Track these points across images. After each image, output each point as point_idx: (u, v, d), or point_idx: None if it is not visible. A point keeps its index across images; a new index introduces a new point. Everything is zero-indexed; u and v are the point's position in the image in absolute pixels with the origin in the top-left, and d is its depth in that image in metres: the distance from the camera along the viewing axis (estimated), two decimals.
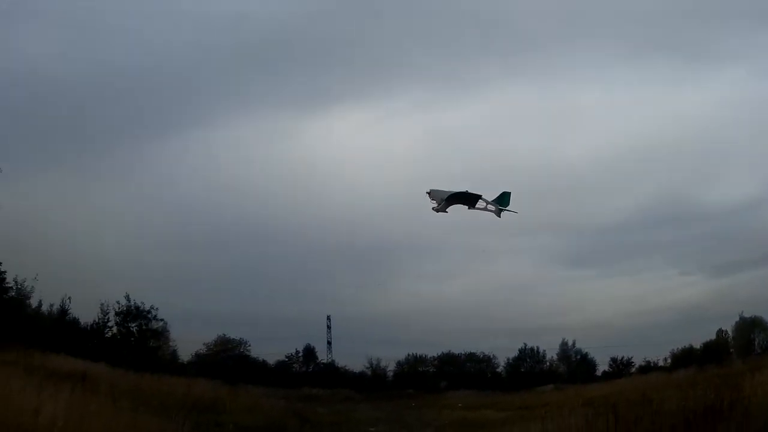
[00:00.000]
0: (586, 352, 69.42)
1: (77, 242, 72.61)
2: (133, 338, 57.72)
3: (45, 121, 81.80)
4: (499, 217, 31.67)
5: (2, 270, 51.05)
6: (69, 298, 56.90)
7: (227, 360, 65.55)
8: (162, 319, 59.43)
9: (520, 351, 70.19)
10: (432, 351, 71.22)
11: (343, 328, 70.80)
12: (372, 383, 66.44)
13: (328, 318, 70.65)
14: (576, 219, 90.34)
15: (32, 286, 53.04)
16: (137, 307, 58.43)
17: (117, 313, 58.46)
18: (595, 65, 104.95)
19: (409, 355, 70.81)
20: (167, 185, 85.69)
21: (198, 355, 66.42)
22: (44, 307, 56.11)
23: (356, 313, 74.07)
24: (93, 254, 71.87)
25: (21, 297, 53.13)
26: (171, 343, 62.28)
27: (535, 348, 70.24)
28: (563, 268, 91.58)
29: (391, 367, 70.95)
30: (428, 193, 31.72)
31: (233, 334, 68.96)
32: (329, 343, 71.01)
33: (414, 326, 76.06)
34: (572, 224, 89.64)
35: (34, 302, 54.63)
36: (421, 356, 71.35)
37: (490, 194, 31.80)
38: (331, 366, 70.22)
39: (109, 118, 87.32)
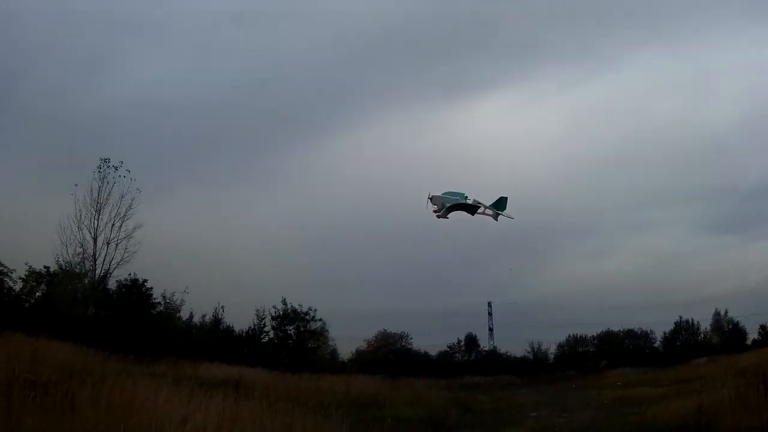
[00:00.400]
0: (737, 321, 67.30)
1: (228, 253, 74.11)
2: (290, 341, 58.43)
3: (181, 141, 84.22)
4: (496, 220, 32.49)
5: (149, 287, 52.49)
6: (222, 307, 58.27)
7: (389, 354, 65.92)
8: (320, 320, 59.92)
9: (676, 324, 68.38)
10: (591, 330, 70.09)
11: (504, 314, 69.77)
12: (533, 367, 65.66)
13: (489, 305, 69.63)
14: (720, 184, 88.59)
15: (182, 299, 54.69)
16: (294, 310, 59.19)
17: (273, 318, 59.33)
18: (728, 26, 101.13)
19: (569, 336, 69.82)
20: (317, 187, 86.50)
21: (359, 352, 67.00)
22: (196, 319, 57.68)
23: (517, 298, 71.27)
24: (245, 263, 73.23)
25: (170, 311, 54.52)
26: (330, 343, 62.81)
27: (690, 320, 68.37)
28: (712, 236, 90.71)
29: (552, 349, 70.20)
30: (430, 198, 32.52)
31: (394, 329, 68.95)
32: (491, 329, 70.16)
33: (573, 306, 74.69)
34: (717, 190, 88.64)
35: (184, 314, 56.38)
36: (581, 336, 70.26)
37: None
38: (493, 353, 69.58)
39: (247, 129, 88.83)
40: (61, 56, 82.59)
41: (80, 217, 47.26)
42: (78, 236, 47.09)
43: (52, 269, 49.92)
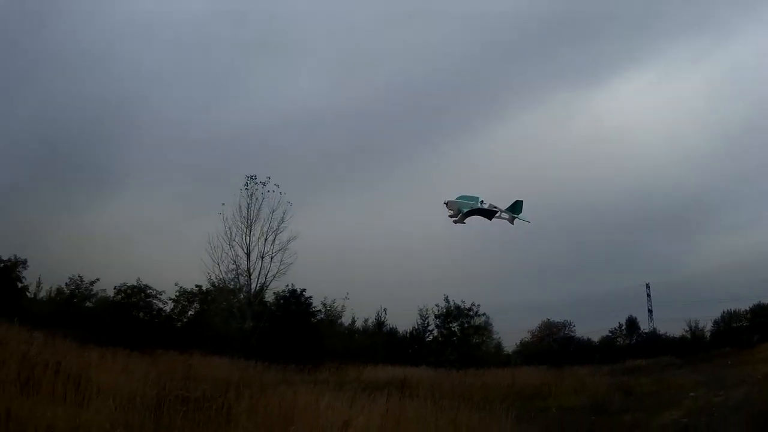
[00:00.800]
0: None
1: (387, 255, 74.62)
2: (455, 338, 57.96)
3: (330, 148, 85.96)
4: (512, 224, 31.89)
5: (308, 296, 53.63)
6: (384, 310, 58.73)
7: (552, 344, 64.82)
8: (484, 315, 59.20)
9: None
10: (744, 304, 67.14)
11: (661, 294, 68.32)
12: (690, 346, 63.25)
13: (647, 286, 67.63)
14: None
15: (343, 306, 55.62)
16: (457, 307, 58.74)
17: (437, 316, 58.99)
18: None
19: (724, 312, 67.25)
20: (468, 183, 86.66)
21: (523, 344, 66.16)
22: (358, 323, 58.42)
23: (673, 277, 72.55)
24: (404, 264, 73.41)
25: (331, 318, 55.24)
26: (494, 336, 62.10)
27: None
28: None
29: (708, 327, 67.68)
30: (446, 203, 32.10)
31: (557, 318, 67.67)
32: (650, 311, 68.02)
33: (727, 281, 72.56)
34: None
35: (346, 320, 57.30)
36: (734, 311, 67.52)
37: None
38: (652, 334, 67.46)
39: (394, 132, 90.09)
40: (197, 79, 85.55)
41: (231, 235, 48.38)
42: (230, 253, 48.20)
43: (204, 287, 51.99)
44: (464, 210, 31.23)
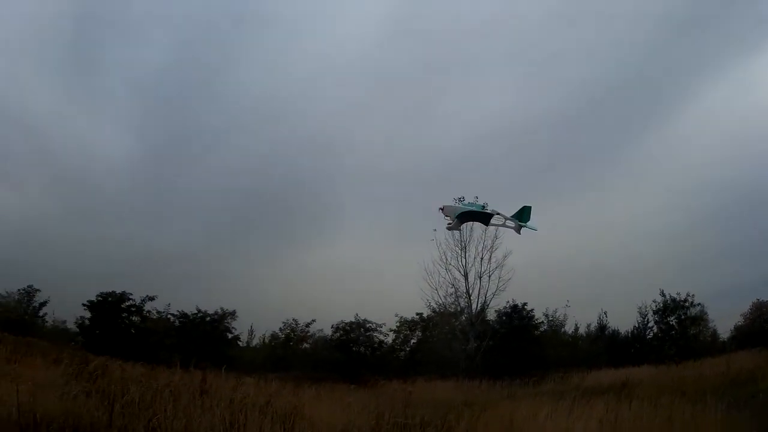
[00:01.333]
0: None
1: (599, 257, 73.45)
2: (673, 331, 56.24)
3: (533, 159, 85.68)
4: (519, 233, 28.37)
5: (530, 309, 53.97)
6: (605, 313, 57.95)
7: (764, 324, 61.32)
8: (699, 304, 56.96)
9: None
10: None
11: None
12: None
13: None
14: None
15: (565, 314, 55.58)
16: (673, 300, 56.83)
17: (654, 312, 57.45)
18: None
19: None
20: (663, 173, 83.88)
21: (737, 328, 62.96)
22: (581, 330, 57.94)
23: None
24: (617, 263, 72.04)
25: (554, 328, 55.48)
26: (710, 325, 59.49)
27: None
28: None
29: None
30: (441, 209, 31.07)
31: (766, 296, 64.08)
32: None
33: None
34: None
35: (569, 328, 57.04)
36: None
37: None
38: None
39: (593, 131, 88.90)
40: (390, 107, 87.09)
41: (446, 259, 49.10)
42: (447, 277, 49.09)
43: (425, 314, 53.01)
44: (458, 213, 30.05)
